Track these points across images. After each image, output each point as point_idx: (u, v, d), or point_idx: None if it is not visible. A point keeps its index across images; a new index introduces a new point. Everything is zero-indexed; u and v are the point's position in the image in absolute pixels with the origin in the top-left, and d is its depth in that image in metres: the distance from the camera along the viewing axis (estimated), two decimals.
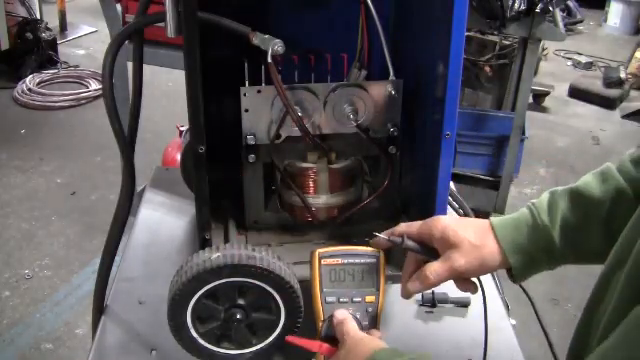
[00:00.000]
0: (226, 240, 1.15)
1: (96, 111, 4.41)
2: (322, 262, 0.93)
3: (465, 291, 0.94)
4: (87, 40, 5.77)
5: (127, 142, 1.11)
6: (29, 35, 4.91)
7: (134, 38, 1.09)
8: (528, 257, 0.89)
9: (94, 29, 5.85)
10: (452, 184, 1.35)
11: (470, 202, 1.42)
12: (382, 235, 0.94)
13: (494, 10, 2.87)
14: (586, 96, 5.23)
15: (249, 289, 0.92)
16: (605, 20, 7.01)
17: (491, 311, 1.22)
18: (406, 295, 0.95)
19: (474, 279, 0.93)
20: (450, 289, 1.21)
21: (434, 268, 0.90)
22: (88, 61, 5.25)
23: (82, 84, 4.86)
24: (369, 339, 0.89)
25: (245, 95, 1.06)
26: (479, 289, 0.94)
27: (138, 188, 1.39)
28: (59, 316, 2.76)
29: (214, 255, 0.90)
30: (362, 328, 0.92)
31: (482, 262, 0.89)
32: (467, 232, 0.90)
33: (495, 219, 0.92)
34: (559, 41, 3.44)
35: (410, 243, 0.93)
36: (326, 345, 0.91)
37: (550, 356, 1.12)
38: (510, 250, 0.89)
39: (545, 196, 0.92)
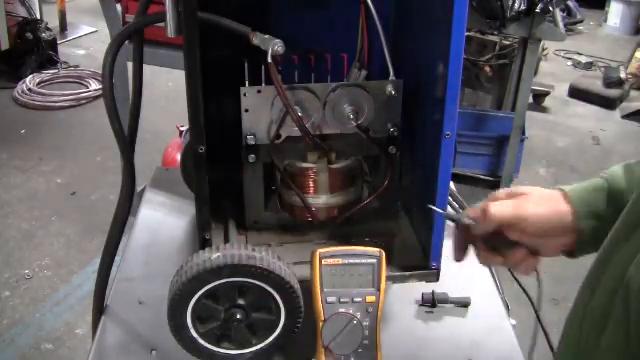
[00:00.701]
0: (226, 240, 1.15)
1: (96, 111, 4.41)
2: (323, 262, 0.93)
3: (523, 270, 0.92)
4: (87, 40, 5.77)
5: (127, 142, 1.11)
6: (29, 35, 4.91)
7: (134, 38, 1.09)
8: (599, 223, 0.86)
9: (94, 29, 5.85)
10: (452, 184, 1.35)
11: (470, 202, 1.42)
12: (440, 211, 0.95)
13: (494, 10, 2.87)
14: (586, 96, 5.23)
15: (249, 289, 0.92)
16: (605, 20, 7.01)
17: (491, 311, 1.22)
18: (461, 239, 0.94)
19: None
20: (450, 289, 1.22)
21: (499, 203, 0.89)
22: (88, 61, 5.25)
23: (82, 84, 4.86)
24: None
25: (245, 95, 1.06)
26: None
27: (138, 188, 1.39)
28: (59, 316, 2.76)
29: (214, 255, 0.90)
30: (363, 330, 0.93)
31: (550, 215, 0.87)
32: (538, 189, 0.89)
33: (565, 186, 0.90)
34: (559, 41, 3.44)
35: (467, 220, 0.92)
36: None
37: (550, 356, 1.12)
38: (583, 214, 0.86)
39: (618, 166, 0.90)
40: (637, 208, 0.71)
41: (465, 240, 0.95)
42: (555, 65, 5.92)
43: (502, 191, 0.93)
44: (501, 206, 0.88)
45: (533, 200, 0.88)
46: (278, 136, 1.09)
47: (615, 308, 0.66)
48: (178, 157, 1.29)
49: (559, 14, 3.10)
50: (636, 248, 0.67)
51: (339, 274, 0.94)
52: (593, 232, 0.87)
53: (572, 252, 0.91)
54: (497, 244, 0.93)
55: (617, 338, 0.65)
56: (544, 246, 0.90)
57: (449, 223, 0.99)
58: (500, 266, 0.96)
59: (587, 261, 0.88)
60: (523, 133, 3.27)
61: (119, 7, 3.21)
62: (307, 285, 0.94)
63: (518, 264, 0.92)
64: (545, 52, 5.65)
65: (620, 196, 0.86)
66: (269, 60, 0.96)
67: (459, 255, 0.97)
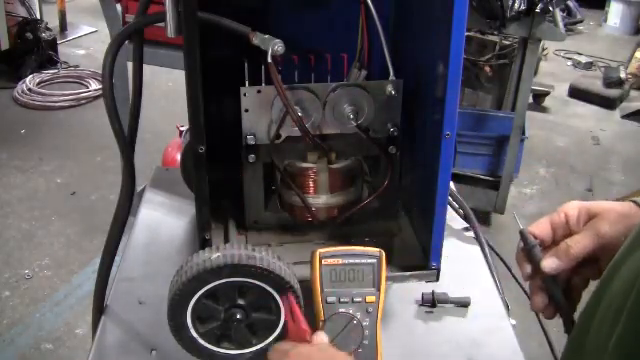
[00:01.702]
0: (226, 240, 1.15)
1: (96, 111, 4.41)
2: (323, 262, 0.93)
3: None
4: (87, 40, 5.77)
5: (127, 142, 1.11)
6: (29, 35, 4.91)
7: (134, 38, 1.09)
8: None
9: (94, 29, 5.85)
10: (452, 184, 1.35)
11: (470, 202, 1.42)
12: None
13: (494, 10, 2.87)
14: (586, 96, 5.23)
15: (249, 289, 0.92)
16: (605, 20, 7.01)
17: (491, 311, 1.22)
18: (539, 278, 0.85)
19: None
20: (450, 289, 1.22)
21: (575, 238, 0.81)
22: (88, 61, 5.25)
23: (82, 84, 4.86)
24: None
25: (245, 95, 1.06)
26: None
27: (138, 188, 1.39)
28: (59, 316, 2.76)
29: (214, 255, 0.90)
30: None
31: (630, 232, 0.77)
32: (609, 203, 0.82)
33: (637, 197, 0.84)
34: (559, 41, 3.43)
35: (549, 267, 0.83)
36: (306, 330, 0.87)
37: (550, 356, 1.12)
38: None
39: None
40: None
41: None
42: (555, 65, 5.92)
43: (569, 211, 0.85)
44: (579, 240, 0.81)
45: (609, 219, 0.81)
46: (278, 136, 1.09)
47: (627, 309, 0.63)
48: (178, 157, 1.29)
49: (559, 14, 3.09)
50: None
51: (339, 274, 0.94)
52: None
53: None
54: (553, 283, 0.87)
55: (625, 343, 0.63)
56: None
57: (449, 223, 0.99)
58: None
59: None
60: (523, 133, 3.27)
61: (119, 7, 3.21)
62: (307, 285, 0.94)
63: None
64: (545, 52, 5.65)
65: None
66: (269, 60, 0.96)
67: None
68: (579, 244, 0.81)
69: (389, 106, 1.10)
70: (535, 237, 0.86)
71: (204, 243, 1.03)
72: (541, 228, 0.86)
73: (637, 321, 0.61)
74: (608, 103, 5.15)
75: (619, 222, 0.81)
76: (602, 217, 0.82)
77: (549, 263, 0.82)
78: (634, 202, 0.84)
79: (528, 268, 0.86)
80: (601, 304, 0.70)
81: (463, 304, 1.22)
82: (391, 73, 1.07)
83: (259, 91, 1.06)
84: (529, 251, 0.85)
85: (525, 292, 1.18)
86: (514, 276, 1.25)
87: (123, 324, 1.15)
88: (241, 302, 0.93)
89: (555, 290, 0.85)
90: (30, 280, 2.96)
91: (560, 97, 5.25)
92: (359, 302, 0.93)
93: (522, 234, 0.86)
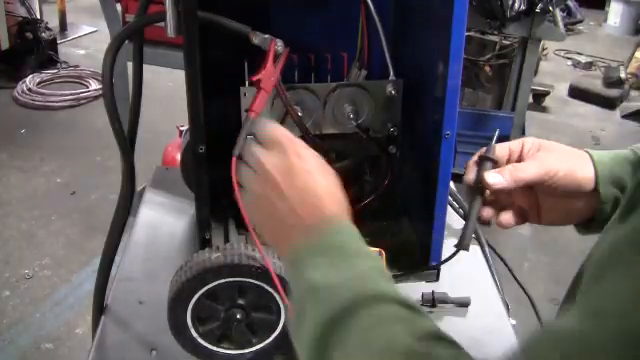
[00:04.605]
0: (226, 240, 1.15)
1: (96, 111, 4.41)
2: None
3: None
4: (87, 40, 5.77)
5: (127, 142, 1.11)
6: (29, 35, 4.91)
7: (134, 38, 1.09)
8: (622, 193, 0.82)
9: (94, 29, 5.85)
10: (452, 184, 1.35)
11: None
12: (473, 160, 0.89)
13: (494, 10, 2.87)
14: (586, 96, 5.24)
15: (249, 289, 0.92)
16: (605, 20, 7.02)
17: (491, 311, 1.22)
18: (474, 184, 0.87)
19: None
20: (450, 289, 1.22)
21: (522, 164, 0.85)
22: (88, 61, 5.25)
23: (82, 84, 4.86)
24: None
25: (245, 95, 1.06)
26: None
27: (138, 188, 1.38)
28: (59, 316, 2.76)
29: (214, 255, 0.90)
30: None
31: (573, 171, 0.83)
32: (563, 145, 0.86)
33: (591, 150, 0.88)
34: (559, 41, 3.44)
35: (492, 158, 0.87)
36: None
37: None
38: (605, 179, 0.83)
39: None
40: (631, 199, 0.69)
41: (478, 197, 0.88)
42: (555, 65, 5.92)
43: (527, 141, 0.88)
44: (524, 165, 0.84)
45: (558, 156, 0.84)
46: None
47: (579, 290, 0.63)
48: (178, 157, 1.29)
49: (559, 14, 3.09)
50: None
51: None
52: (613, 202, 0.83)
53: (587, 225, 0.87)
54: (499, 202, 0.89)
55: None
56: (559, 209, 0.87)
57: (449, 223, 0.99)
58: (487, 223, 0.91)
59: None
60: (523, 133, 3.27)
61: (119, 7, 3.21)
62: None
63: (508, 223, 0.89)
64: (545, 52, 5.65)
65: None
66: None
67: (487, 215, 0.89)
68: (523, 168, 0.84)
69: (389, 106, 1.10)
70: (490, 147, 0.89)
71: (204, 243, 1.03)
72: (500, 148, 0.90)
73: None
74: (608, 103, 5.15)
75: (565, 160, 0.84)
76: (550, 150, 0.86)
77: (492, 177, 0.85)
78: (586, 151, 0.87)
79: (473, 174, 0.89)
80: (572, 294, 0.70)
81: (463, 304, 1.22)
82: (391, 73, 1.07)
83: None
84: (483, 160, 0.89)
85: (525, 292, 1.18)
86: (514, 276, 1.25)
87: (123, 324, 1.15)
88: (241, 302, 0.93)
89: (473, 206, 0.88)
90: (30, 280, 2.96)
91: (560, 97, 5.25)
92: None
93: (488, 146, 0.90)
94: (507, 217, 0.89)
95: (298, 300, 0.67)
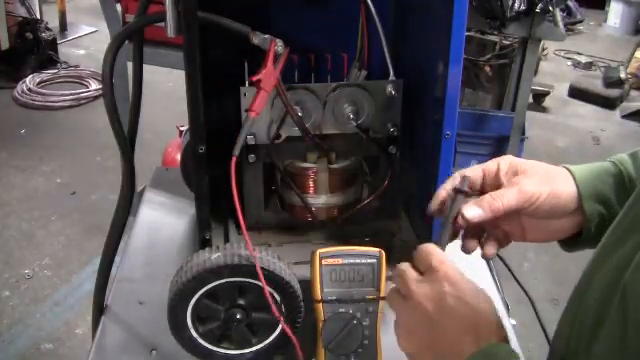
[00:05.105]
0: (226, 240, 1.15)
1: (96, 111, 4.42)
2: (323, 262, 0.93)
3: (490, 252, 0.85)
4: (87, 40, 5.77)
5: (127, 142, 1.11)
6: (29, 35, 4.91)
7: (134, 38, 1.09)
8: (605, 209, 0.80)
9: (94, 29, 5.85)
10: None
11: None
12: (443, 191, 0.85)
13: (494, 10, 2.87)
14: (586, 96, 5.24)
15: (249, 289, 0.92)
16: (605, 20, 7.02)
17: None
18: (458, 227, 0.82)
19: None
20: None
21: (500, 191, 0.80)
22: (88, 61, 5.25)
23: (82, 84, 4.86)
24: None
25: (245, 95, 1.06)
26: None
27: (138, 188, 1.39)
28: (59, 316, 2.76)
29: (214, 255, 0.90)
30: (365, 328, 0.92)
31: (553, 193, 0.79)
32: (539, 165, 0.82)
33: (570, 165, 0.85)
34: (559, 41, 3.44)
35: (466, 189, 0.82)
36: None
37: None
38: (588, 195, 0.80)
39: (624, 154, 0.84)
40: (635, 211, 0.68)
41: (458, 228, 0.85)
42: (555, 65, 5.92)
43: (502, 163, 0.84)
44: (502, 193, 0.80)
45: (536, 179, 0.80)
46: (278, 136, 1.09)
47: (610, 315, 0.62)
48: (178, 157, 1.29)
49: (559, 14, 3.09)
50: (631, 252, 0.62)
51: (339, 274, 0.94)
52: (598, 219, 0.81)
53: (571, 242, 0.86)
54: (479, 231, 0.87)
55: (612, 345, 0.61)
56: (542, 228, 0.85)
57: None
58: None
59: (588, 260, 0.87)
60: (523, 133, 3.27)
61: (119, 7, 3.21)
62: (307, 285, 0.94)
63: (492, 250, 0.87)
64: (545, 52, 5.65)
65: (629, 183, 0.81)
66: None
67: (470, 246, 0.87)
68: (502, 198, 0.80)
69: (389, 106, 1.10)
70: (464, 179, 0.85)
71: (204, 243, 1.03)
72: (474, 172, 0.86)
73: (623, 327, 0.60)
74: (608, 103, 5.15)
75: (544, 183, 0.80)
76: (528, 175, 0.81)
77: (471, 211, 0.81)
78: (566, 167, 0.84)
79: (439, 203, 0.85)
80: (581, 305, 0.69)
81: None
82: (391, 73, 1.07)
83: None
84: (457, 192, 0.84)
85: (525, 292, 1.18)
86: (514, 276, 1.25)
87: (123, 324, 1.15)
88: (241, 302, 0.93)
89: (443, 233, 0.83)
90: (30, 280, 2.96)
91: (560, 97, 5.25)
92: (359, 302, 0.93)
93: (462, 178, 0.85)
94: (489, 248, 0.87)
95: None
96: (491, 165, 0.85)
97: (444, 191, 0.86)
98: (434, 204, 0.86)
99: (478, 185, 0.86)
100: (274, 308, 0.91)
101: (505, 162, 0.84)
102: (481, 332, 0.67)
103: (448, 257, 0.74)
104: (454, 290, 0.70)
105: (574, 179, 0.82)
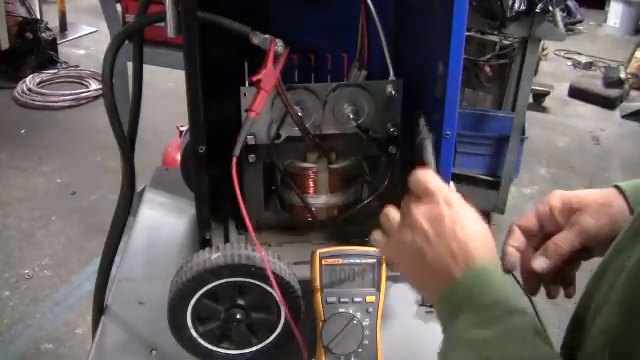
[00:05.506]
0: (226, 240, 1.15)
1: (96, 111, 4.41)
2: (323, 262, 0.93)
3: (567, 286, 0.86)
4: (87, 40, 5.77)
5: (127, 142, 1.11)
6: (29, 35, 4.91)
7: (134, 38, 1.09)
8: None
9: (94, 29, 5.84)
10: (452, 184, 1.34)
11: (470, 202, 1.42)
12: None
13: (494, 10, 2.87)
14: (586, 96, 5.23)
15: (249, 289, 0.92)
16: (605, 20, 7.01)
17: None
18: (532, 274, 0.84)
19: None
20: None
21: (562, 236, 0.82)
22: (88, 61, 5.25)
23: (82, 84, 4.86)
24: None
25: (245, 95, 1.06)
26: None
27: (138, 188, 1.39)
28: (59, 316, 2.76)
29: (214, 255, 0.90)
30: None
31: (613, 221, 0.81)
32: (590, 194, 0.83)
33: (621, 182, 0.85)
34: (559, 41, 3.43)
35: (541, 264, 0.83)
36: None
37: None
38: (637, 202, 0.81)
39: None
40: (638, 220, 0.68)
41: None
42: (555, 65, 5.92)
43: (553, 202, 0.85)
44: (565, 238, 0.82)
45: (593, 212, 0.82)
46: (278, 136, 1.09)
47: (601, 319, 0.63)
48: (178, 157, 1.29)
49: (559, 14, 3.09)
50: (627, 260, 0.63)
51: (339, 274, 0.94)
52: None
53: None
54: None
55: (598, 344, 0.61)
56: (606, 246, 0.83)
57: None
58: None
59: (588, 261, 0.87)
60: (523, 133, 3.27)
61: (119, 7, 3.21)
62: (307, 285, 0.94)
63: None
64: (545, 52, 5.65)
65: None
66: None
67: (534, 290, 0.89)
68: (566, 241, 0.82)
69: (389, 106, 1.10)
70: (524, 229, 0.86)
71: (204, 243, 1.03)
72: (528, 220, 0.87)
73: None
74: (608, 103, 5.14)
75: (601, 213, 0.82)
76: (584, 212, 0.83)
77: (540, 263, 0.83)
78: (616, 187, 0.85)
79: (513, 262, 0.86)
80: (589, 312, 0.70)
81: None
82: (391, 73, 1.07)
83: None
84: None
85: (525, 292, 1.18)
86: (514, 276, 1.25)
87: (123, 324, 1.15)
88: (241, 302, 0.93)
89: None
90: (30, 280, 2.96)
91: (560, 97, 5.25)
92: (359, 302, 0.93)
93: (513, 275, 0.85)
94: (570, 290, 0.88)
95: (445, 349, 0.69)
96: (542, 208, 0.86)
97: (508, 247, 0.86)
98: (512, 265, 0.86)
99: (535, 231, 0.87)
100: (280, 298, 0.91)
101: (556, 199, 0.85)
102: (474, 255, 0.69)
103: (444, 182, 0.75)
104: (453, 213, 0.71)
105: (624, 196, 0.83)
